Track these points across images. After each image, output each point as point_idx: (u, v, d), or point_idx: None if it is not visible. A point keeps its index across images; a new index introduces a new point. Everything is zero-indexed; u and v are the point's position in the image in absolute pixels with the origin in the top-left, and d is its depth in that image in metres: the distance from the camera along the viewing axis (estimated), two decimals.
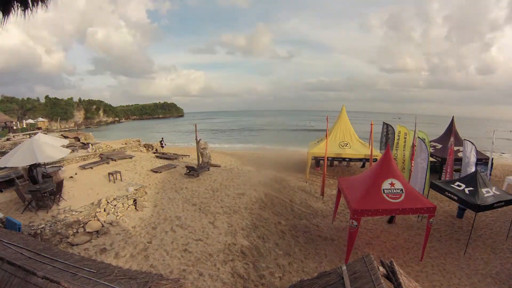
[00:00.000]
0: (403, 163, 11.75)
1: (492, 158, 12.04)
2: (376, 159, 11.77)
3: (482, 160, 12.31)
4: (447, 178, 10.41)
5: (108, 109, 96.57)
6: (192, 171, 13.46)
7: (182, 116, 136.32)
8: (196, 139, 16.51)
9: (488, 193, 7.45)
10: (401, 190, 6.85)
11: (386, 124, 14.81)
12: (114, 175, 11.20)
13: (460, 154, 12.24)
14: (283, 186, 12.97)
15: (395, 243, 7.84)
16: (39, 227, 6.89)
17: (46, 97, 73.20)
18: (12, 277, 2.10)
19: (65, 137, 22.73)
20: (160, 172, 13.92)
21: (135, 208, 9.19)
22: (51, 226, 7.04)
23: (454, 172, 11.10)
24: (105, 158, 15.18)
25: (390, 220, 8.89)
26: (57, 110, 71.41)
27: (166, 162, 16.20)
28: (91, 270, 2.69)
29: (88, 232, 7.46)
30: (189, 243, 7.40)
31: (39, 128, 35.59)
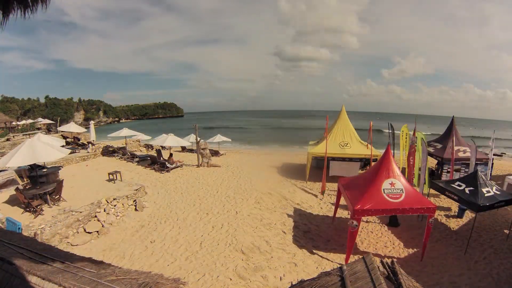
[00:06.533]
0: (403, 163, 11.73)
1: (493, 158, 12.04)
2: (376, 159, 11.77)
3: (482, 160, 12.33)
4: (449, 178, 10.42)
5: (108, 109, 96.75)
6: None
7: (182, 116, 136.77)
8: (196, 139, 16.52)
9: (489, 193, 7.43)
10: (401, 190, 6.85)
11: (391, 124, 14.82)
12: (114, 175, 11.22)
13: (460, 154, 12.24)
14: (283, 186, 12.98)
15: (395, 243, 7.84)
16: (39, 227, 6.90)
17: (46, 97, 73.32)
18: (12, 278, 2.10)
19: (65, 137, 22.73)
20: (161, 172, 13.94)
21: (135, 209, 9.20)
22: (51, 226, 7.04)
23: (454, 172, 11.11)
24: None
25: (394, 224, 8.81)
26: (57, 110, 71.49)
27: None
28: (91, 270, 2.69)
29: (88, 232, 7.47)
30: (189, 243, 7.41)
31: (38, 129, 35.48)
